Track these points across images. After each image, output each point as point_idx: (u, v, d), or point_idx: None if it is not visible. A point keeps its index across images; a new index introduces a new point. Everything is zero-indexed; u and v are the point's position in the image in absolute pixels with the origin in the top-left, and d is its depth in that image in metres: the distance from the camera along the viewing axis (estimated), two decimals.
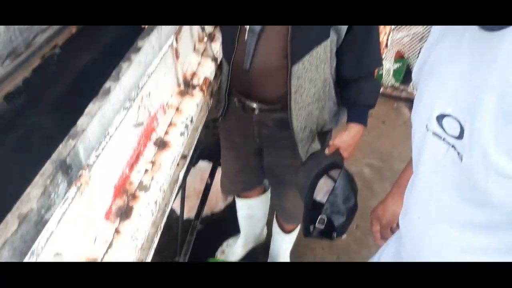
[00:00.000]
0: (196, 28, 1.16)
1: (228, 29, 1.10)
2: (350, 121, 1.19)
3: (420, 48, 2.57)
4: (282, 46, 1.03)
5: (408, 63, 2.63)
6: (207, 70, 1.14)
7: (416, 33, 2.45)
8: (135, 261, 0.72)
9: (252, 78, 1.11)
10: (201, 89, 1.06)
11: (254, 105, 1.16)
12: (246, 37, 1.05)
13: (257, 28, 1.02)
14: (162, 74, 0.95)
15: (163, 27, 0.94)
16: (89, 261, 0.66)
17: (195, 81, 1.08)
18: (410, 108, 2.74)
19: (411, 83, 2.67)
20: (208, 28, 1.26)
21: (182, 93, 1.04)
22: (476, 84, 0.49)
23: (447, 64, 0.56)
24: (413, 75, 0.70)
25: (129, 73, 0.81)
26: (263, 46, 1.05)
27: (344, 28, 1.04)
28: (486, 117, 0.46)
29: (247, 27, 1.04)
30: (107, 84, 0.76)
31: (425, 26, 2.41)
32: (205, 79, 1.09)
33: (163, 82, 0.98)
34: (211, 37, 1.26)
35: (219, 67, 1.20)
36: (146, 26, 0.92)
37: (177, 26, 0.99)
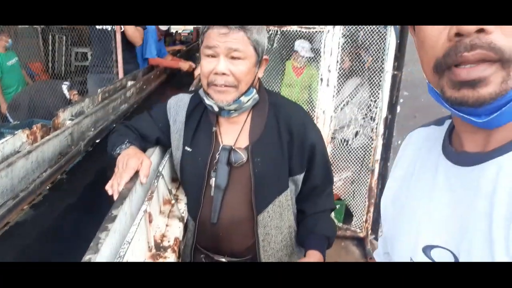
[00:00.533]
0: (162, 191, 1.22)
1: (194, 187, 1.16)
2: (309, 249, 1.13)
3: (354, 190, 2.85)
4: (247, 199, 1.11)
5: (345, 203, 2.85)
6: (176, 230, 1.15)
7: (347, 177, 2.74)
8: None
9: (220, 232, 1.14)
10: (173, 250, 1.05)
11: (223, 260, 1.16)
12: (212, 193, 1.12)
13: (223, 183, 1.11)
14: (136, 240, 0.95)
15: (134, 192, 0.99)
16: None
17: (165, 243, 1.08)
18: (357, 245, 2.86)
19: (352, 222, 2.85)
20: (173, 190, 1.32)
21: (154, 257, 1.02)
22: (463, 213, 0.52)
23: (424, 199, 0.58)
24: (382, 215, 0.73)
25: (108, 242, 0.80)
26: (228, 199, 1.12)
27: (300, 178, 1.16)
28: (483, 244, 0.48)
29: (213, 183, 1.12)
30: (87, 256, 0.74)
31: (352, 178, 2.72)
32: (176, 239, 1.09)
33: (136, 248, 0.96)
34: (176, 199, 1.31)
35: (184, 226, 1.22)
36: (116, 195, 0.96)
37: (149, 191, 1.03)
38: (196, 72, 2.93)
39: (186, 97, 1.20)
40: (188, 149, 1.15)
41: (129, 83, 2.51)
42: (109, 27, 2.84)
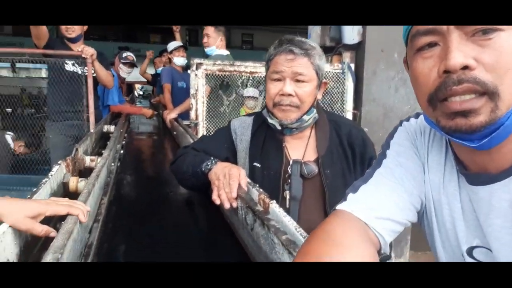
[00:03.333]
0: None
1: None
2: None
3: None
4: (321, 209, 1.20)
5: None
6: None
7: None
8: None
9: None
10: None
11: None
12: (287, 205, 1.20)
13: (298, 194, 1.20)
14: None
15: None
16: None
17: None
18: None
19: None
20: None
21: None
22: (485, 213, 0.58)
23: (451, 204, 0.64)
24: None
25: None
26: (304, 210, 1.21)
27: None
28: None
29: (287, 196, 1.21)
30: None
31: None
32: None
33: None
34: None
35: None
36: (228, 204, 1.00)
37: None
38: (169, 117, 2.97)
39: (249, 119, 1.31)
40: (257, 165, 1.24)
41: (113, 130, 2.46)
42: (79, 70, 2.76)
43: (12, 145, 3.35)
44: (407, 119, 0.74)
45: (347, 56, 3.00)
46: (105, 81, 2.85)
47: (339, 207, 0.67)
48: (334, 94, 3.01)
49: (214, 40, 2.93)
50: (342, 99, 3.01)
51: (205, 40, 2.94)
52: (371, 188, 0.68)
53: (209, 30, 2.93)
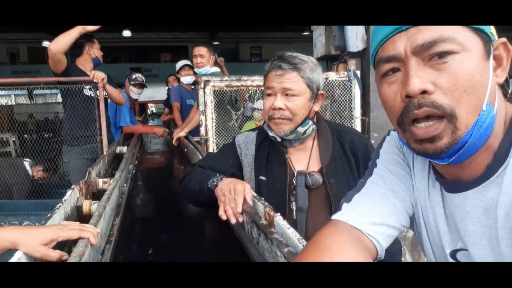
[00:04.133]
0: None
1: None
2: None
3: None
4: (327, 217, 1.22)
5: None
6: None
7: None
8: None
9: None
10: None
11: None
12: (294, 216, 1.22)
13: (304, 205, 1.22)
14: None
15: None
16: None
17: None
18: None
19: None
20: None
21: None
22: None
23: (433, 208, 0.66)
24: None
25: None
26: (311, 221, 1.22)
27: None
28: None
29: (293, 207, 1.22)
30: None
31: None
32: None
33: None
34: None
35: None
36: (234, 219, 1.02)
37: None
38: (178, 135, 3.02)
39: (252, 134, 1.34)
40: (263, 178, 1.26)
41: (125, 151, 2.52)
42: (92, 93, 2.84)
43: (30, 172, 3.45)
44: (394, 129, 0.76)
45: (352, 64, 3.02)
46: (117, 99, 2.95)
47: (333, 217, 0.69)
48: (341, 102, 3.02)
49: (208, 60, 2.99)
50: (350, 106, 3.02)
51: (199, 60, 2.98)
52: (364, 196, 0.70)
53: (202, 50, 2.98)
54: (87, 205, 1.24)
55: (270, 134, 1.27)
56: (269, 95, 1.22)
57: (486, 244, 0.58)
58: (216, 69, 3.06)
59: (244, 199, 1.06)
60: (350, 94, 3.00)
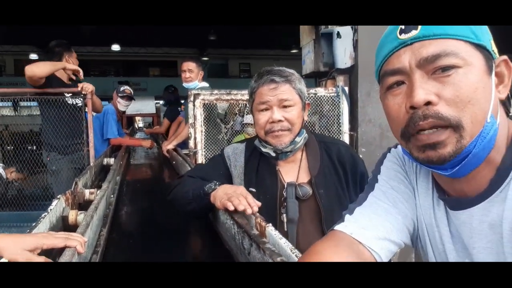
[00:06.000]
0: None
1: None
2: None
3: None
4: (318, 229, 1.21)
5: None
6: None
7: None
8: None
9: None
10: None
11: None
12: (285, 228, 1.21)
13: (295, 216, 1.21)
14: None
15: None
16: None
17: None
18: None
19: None
20: None
21: None
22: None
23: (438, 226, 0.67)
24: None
25: None
26: (301, 232, 1.21)
27: None
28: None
29: (284, 219, 1.22)
30: None
31: None
32: None
33: None
34: None
35: None
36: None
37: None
38: (166, 148, 3.00)
39: (241, 146, 1.34)
40: (253, 190, 1.25)
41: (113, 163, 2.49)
42: (79, 102, 2.80)
43: (3, 174, 3.37)
44: (395, 146, 0.77)
45: (340, 80, 3.06)
46: (99, 107, 2.99)
47: (336, 227, 0.68)
48: (330, 117, 3.05)
49: (196, 75, 3.00)
50: (339, 121, 3.05)
51: (187, 75, 2.99)
52: (367, 210, 0.69)
53: (191, 65, 3.00)
54: (73, 215, 1.21)
55: (264, 150, 1.26)
56: (263, 110, 1.22)
57: (494, 260, 0.58)
58: (205, 84, 3.07)
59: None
60: (339, 110, 3.03)
